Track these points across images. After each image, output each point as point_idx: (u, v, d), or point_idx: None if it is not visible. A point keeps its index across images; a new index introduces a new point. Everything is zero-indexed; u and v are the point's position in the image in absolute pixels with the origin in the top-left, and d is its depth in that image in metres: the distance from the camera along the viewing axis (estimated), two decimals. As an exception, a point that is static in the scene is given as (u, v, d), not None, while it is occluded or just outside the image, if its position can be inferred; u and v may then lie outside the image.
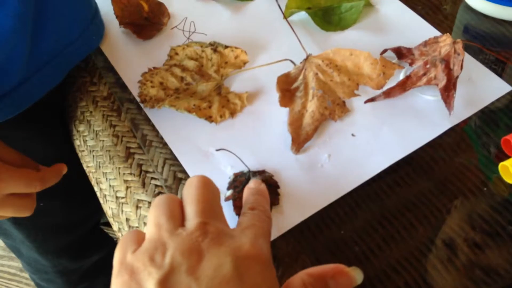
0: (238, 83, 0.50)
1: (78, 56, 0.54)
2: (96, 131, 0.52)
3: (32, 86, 0.50)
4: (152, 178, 0.47)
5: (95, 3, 0.56)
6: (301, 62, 0.49)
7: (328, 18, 0.54)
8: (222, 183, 0.44)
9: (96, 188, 0.52)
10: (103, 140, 0.51)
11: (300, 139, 0.45)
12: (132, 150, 0.49)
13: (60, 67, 0.52)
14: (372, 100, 0.47)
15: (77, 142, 0.55)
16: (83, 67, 0.56)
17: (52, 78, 0.52)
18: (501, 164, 0.41)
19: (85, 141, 0.53)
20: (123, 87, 0.52)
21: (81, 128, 0.54)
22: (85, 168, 0.55)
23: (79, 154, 0.55)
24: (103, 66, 0.54)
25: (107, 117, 0.52)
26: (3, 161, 0.41)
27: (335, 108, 0.47)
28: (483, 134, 0.44)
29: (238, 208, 0.42)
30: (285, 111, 0.47)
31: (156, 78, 0.51)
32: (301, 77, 0.48)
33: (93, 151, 0.52)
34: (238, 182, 0.44)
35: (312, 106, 0.46)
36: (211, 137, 0.47)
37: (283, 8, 0.55)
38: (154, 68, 0.52)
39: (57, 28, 0.50)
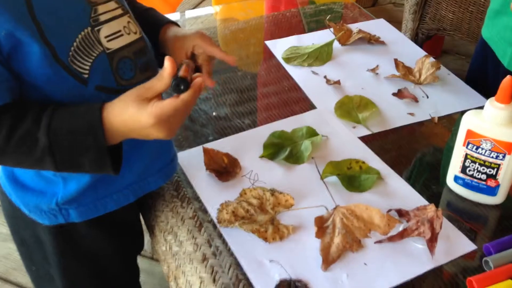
0: (286, 218, 0.72)
1: (152, 187, 0.76)
2: (181, 240, 0.73)
3: (111, 200, 0.72)
4: (220, 277, 0.66)
5: (175, 151, 0.80)
6: (332, 210, 0.71)
7: (352, 183, 0.77)
8: (270, 286, 0.63)
9: (172, 283, 0.71)
10: (185, 247, 0.72)
11: (328, 261, 0.65)
12: (207, 256, 0.69)
13: (135, 192, 0.75)
14: (380, 242, 0.68)
15: (162, 248, 0.75)
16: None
17: (126, 198, 0.73)
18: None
19: (170, 247, 0.74)
20: (205, 211, 0.74)
21: (169, 237, 0.75)
22: (164, 267, 0.74)
23: (162, 257, 0.75)
24: (191, 196, 0.77)
25: (191, 231, 0.73)
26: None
27: (353, 243, 0.67)
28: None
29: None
30: (318, 241, 0.68)
31: (230, 208, 0.73)
32: (331, 219, 0.70)
33: (176, 254, 0.72)
34: (282, 286, 0.63)
35: (337, 240, 0.67)
36: (265, 252, 0.67)
37: (321, 172, 0.79)
38: (228, 201, 0.74)
39: (142, 164, 0.72)
